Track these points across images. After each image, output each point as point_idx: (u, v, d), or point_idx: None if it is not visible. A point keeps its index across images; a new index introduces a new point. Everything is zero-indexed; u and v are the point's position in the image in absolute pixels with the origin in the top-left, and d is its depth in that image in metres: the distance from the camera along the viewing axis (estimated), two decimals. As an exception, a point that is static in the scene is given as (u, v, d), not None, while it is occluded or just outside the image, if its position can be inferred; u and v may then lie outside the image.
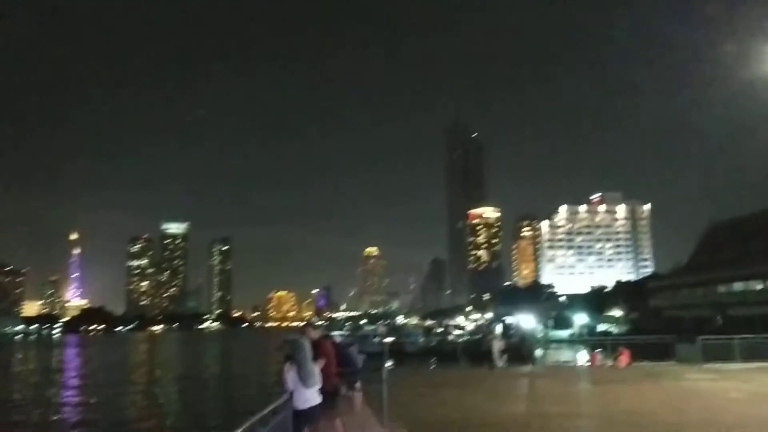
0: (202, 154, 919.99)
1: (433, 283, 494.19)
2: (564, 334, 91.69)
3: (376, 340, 61.00)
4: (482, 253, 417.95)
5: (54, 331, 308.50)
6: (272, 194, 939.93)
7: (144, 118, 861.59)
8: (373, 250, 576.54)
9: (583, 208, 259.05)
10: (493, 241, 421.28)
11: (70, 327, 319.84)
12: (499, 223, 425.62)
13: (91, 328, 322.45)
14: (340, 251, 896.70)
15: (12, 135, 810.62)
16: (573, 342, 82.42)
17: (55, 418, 28.94)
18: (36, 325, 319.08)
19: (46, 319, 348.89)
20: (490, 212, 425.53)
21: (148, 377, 55.20)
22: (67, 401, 36.14)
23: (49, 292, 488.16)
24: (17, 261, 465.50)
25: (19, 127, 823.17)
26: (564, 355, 58.53)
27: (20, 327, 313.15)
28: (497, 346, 27.45)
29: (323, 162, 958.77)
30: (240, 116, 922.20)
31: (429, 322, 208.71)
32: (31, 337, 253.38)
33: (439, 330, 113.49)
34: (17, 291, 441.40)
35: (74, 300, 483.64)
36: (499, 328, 32.73)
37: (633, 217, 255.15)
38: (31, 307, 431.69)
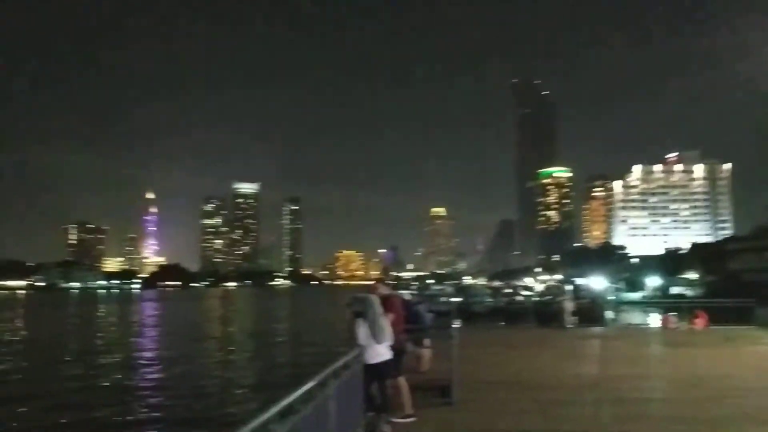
0: (274, 115, 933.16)
1: (501, 243, 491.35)
2: (636, 296, 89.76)
3: (444, 299, 61.10)
4: (552, 213, 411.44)
5: (133, 287, 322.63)
6: (341, 154, 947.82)
7: (216, 82, 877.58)
8: (440, 210, 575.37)
9: (658, 167, 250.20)
10: (564, 201, 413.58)
11: (148, 283, 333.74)
12: (570, 183, 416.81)
13: (167, 283, 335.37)
14: (407, 211, 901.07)
15: (91, 99, 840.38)
16: (645, 304, 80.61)
17: (133, 371, 30.30)
18: (116, 281, 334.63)
19: (126, 274, 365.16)
20: (560, 172, 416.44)
21: (223, 332, 57.17)
22: (145, 354, 37.78)
23: (128, 249, 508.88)
24: (98, 219, 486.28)
25: (97, 90, 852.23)
26: (636, 317, 57.37)
27: (102, 282, 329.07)
28: (568, 306, 27.05)
29: (392, 121, 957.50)
30: (310, 76, 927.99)
31: (497, 283, 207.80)
32: (113, 291, 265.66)
33: (507, 291, 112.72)
34: (99, 247, 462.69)
35: (152, 257, 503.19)
36: (569, 289, 32.18)
37: (711, 177, 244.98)
38: (112, 263, 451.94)
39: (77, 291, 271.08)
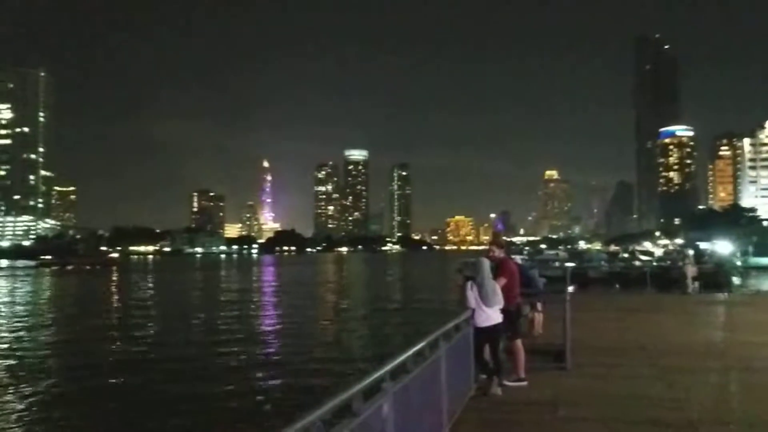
0: (381, 82, 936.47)
1: (618, 207, 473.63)
2: (766, 261, 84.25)
3: (557, 264, 59.82)
4: (674, 174, 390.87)
5: (252, 251, 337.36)
6: (450, 119, 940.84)
7: (327, 48, 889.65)
8: (553, 173, 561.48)
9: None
10: (687, 161, 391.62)
11: (266, 248, 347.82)
12: (692, 143, 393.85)
13: (284, 248, 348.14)
14: (519, 175, 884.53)
15: (211, 73, 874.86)
16: (777, 270, 75.78)
17: (255, 331, 31.77)
18: (236, 246, 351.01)
19: (245, 240, 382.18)
20: (683, 131, 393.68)
21: (337, 294, 58.77)
22: (266, 316, 39.48)
23: (247, 215, 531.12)
24: (218, 188, 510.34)
25: (216, 66, 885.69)
26: (766, 283, 54.05)
27: (223, 247, 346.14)
28: (690, 271, 25.78)
29: (502, 83, 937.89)
30: (417, 42, 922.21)
31: (613, 248, 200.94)
32: (234, 256, 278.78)
33: (625, 255, 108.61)
34: (220, 214, 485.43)
35: (268, 223, 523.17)
36: (691, 253, 30.57)
37: None
38: (232, 230, 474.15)
39: (201, 255, 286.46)
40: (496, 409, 7.81)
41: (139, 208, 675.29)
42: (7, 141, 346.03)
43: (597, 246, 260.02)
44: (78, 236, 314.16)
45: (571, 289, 20.00)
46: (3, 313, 41.73)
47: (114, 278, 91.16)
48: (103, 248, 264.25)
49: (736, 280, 35.56)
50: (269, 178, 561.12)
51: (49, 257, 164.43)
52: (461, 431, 6.75)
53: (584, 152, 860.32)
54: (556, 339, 10.80)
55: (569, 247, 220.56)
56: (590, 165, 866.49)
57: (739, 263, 75.06)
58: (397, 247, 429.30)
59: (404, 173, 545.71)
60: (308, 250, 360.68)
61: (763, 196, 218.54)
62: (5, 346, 27.22)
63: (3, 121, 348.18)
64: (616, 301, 25.14)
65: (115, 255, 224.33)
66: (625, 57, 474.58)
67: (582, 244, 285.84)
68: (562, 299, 11.19)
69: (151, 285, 76.73)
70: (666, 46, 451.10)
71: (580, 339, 11.51)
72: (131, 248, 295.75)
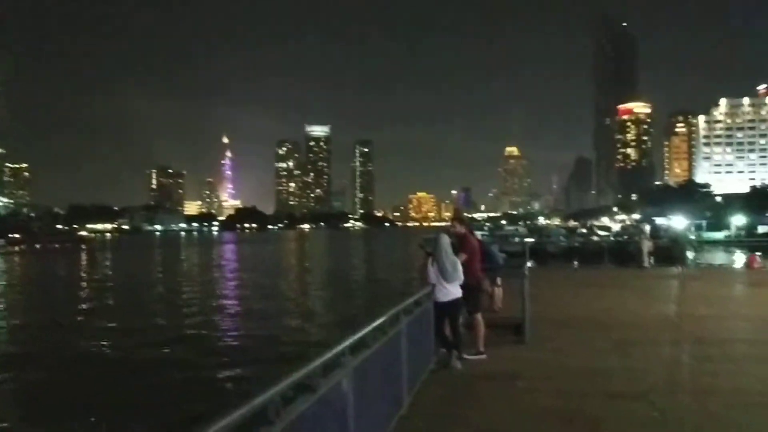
0: (344, 56, 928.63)
1: (577, 183, 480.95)
2: (719, 235, 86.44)
3: (517, 240, 60.61)
4: (631, 151, 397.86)
5: (213, 229, 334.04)
6: (412, 96, 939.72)
7: (283, 22, 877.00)
8: (513, 150, 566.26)
9: (746, 100, 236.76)
10: (644, 138, 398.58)
11: (227, 225, 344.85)
12: (649, 120, 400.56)
13: (245, 226, 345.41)
14: (479, 152, 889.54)
15: (170, 50, 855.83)
16: (729, 244, 77.82)
17: (215, 310, 31.56)
18: (196, 224, 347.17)
19: (205, 217, 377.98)
20: (640, 107, 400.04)
21: (299, 272, 58.65)
22: (226, 294, 39.23)
23: (206, 192, 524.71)
24: (177, 164, 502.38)
25: (174, 42, 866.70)
26: (719, 257, 55.54)
27: (183, 225, 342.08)
28: (646, 246, 26.32)
29: (462, 60, 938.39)
30: (379, 19, 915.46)
31: (572, 223, 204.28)
32: (194, 234, 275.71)
33: (583, 231, 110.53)
34: (179, 191, 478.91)
35: (229, 200, 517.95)
36: (647, 228, 31.25)
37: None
38: (191, 207, 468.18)
39: (160, 233, 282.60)
40: (456, 382, 7.92)
41: (96, 186, 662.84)
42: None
43: (556, 222, 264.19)
44: (32, 214, 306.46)
45: (530, 264, 20.30)
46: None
47: (85, 257, 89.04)
48: (59, 226, 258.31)
49: (690, 254, 36.43)
50: (229, 154, 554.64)
51: (17, 236, 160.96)
52: (422, 404, 6.82)
53: (544, 129, 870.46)
54: (516, 313, 10.96)
55: (529, 222, 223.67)
56: (550, 141, 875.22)
57: (693, 238, 77.02)
58: (359, 224, 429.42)
59: (366, 150, 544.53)
60: (270, 227, 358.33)
61: (716, 173, 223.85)
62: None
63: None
64: (574, 276, 25.59)
65: (86, 234, 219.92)
66: (584, 35, 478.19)
67: (541, 220, 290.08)
68: (522, 274, 11.36)
69: (120, 263, 75.50)
70: (624, 24, 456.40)
71: (539, 313, 11.70)
72: (88, 226, 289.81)
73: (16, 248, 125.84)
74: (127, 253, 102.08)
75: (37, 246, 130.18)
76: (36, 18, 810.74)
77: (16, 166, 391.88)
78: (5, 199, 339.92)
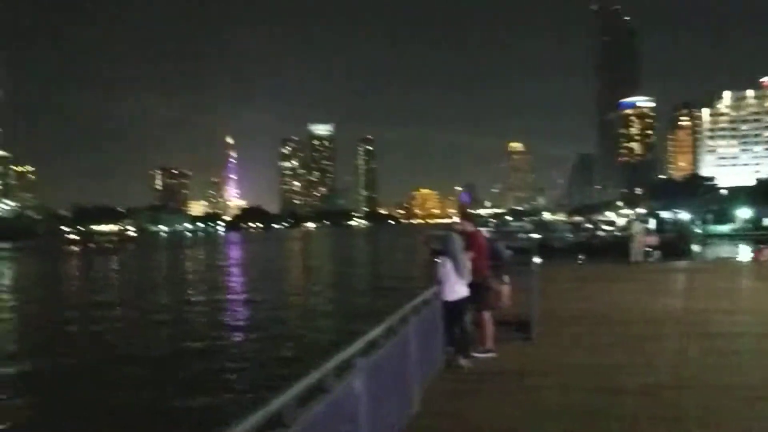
0: (347, 55, 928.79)
1: (581, 178, 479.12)
2: (725, 228, 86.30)
3: (522, 236, 60.55)
4: (635, 145, 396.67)
5: (218, 229, 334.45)
6: (415, 92, 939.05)
7: (286, 20, 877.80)
8: (517, 145, 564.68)
9: (750, 93, 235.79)
10: (647, 132, 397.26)
11: (232, 225, 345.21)
12: (653, 114, 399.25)
13: (250, 225, 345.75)
14: (483, 147, 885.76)
15: (172, 49, 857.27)
16: (735, 237, 77.71)
17: (222, 311, 31.68)
18: (201, 224, 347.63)
19: (211, 217, 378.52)
20: (643, 101, 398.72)
21: (306, 271, 58.73)
22: (232, 295, 39.34)
23: (211, 192, 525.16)
24: (182, 164, 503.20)
25: (176, 42, 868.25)
26: (724, 250, 55.47)
27: (188, 225, 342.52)
28: (640, 239, 26.18)
29: (465, 56, 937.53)
30: (381, 17, 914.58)
31: (577, 218, 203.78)
32: (200, 234, 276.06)
33: (588, 226, 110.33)
34: (184, 192, 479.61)
35: (234, 200, 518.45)
36: (640, 223, 31.12)
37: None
38: (196, 207, 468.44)
39: (166, 234, 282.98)
40: (465, 380, 7.97)
41: (100, 187, 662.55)
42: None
43: (561, 217, 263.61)
44: (38, 217, 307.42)
45: (536, 260, 20.31)
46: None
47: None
48: (65, 228, 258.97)
49: (695, 247, 36.39)
50: (234, 154, 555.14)
51: (74, 236, 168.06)
52: (432, 403, 6.88)
53: (547, 124, 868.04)
54: (523, 310, 11.01)
55: (534, 218, 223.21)
56: (553, 136, 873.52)
57: (698, 231, 76.93)
58: (363, 221, 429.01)
59: (369, 147, 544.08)
60: (275, 226, 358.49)
61: (721, 166, 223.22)
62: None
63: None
64: (579, 271, 25.60)
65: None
66: (585, 28, 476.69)
67: (546, 216, 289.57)
68: (528, 271, 11.40)
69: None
70: (626, 18, 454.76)
71: (546, 310, 11.75)
72: (93, 228, 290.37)
73: (72, 248, 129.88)
74: (155, 254, 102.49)
75: (91, 245, 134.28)
76: (36, 21, 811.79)
77: (22, 168, 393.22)
78: (11, 203, 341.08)
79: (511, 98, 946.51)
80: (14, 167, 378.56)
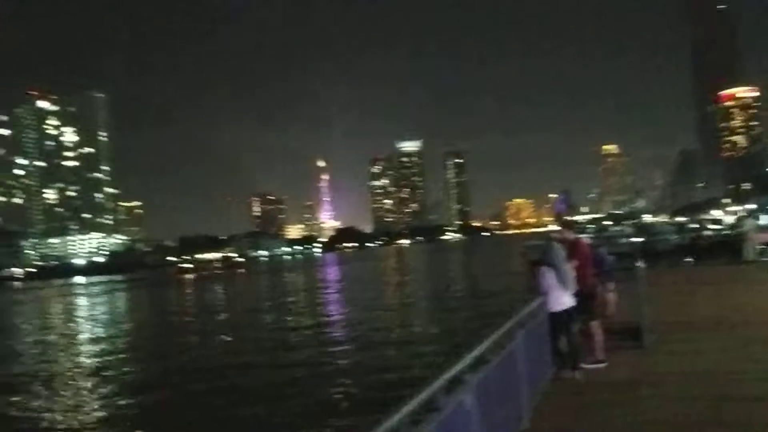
0: (430, 71, 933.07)
1: (682, 176, 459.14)
2: None
3: (623, 240, 58.49)
4: (738, 138, 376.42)
5: (315, 250, 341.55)
6: (502, 101, 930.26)
7: (372, 41, 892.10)
8: (611, 147, 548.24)
9: None
10: (752, 123, 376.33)
11: (328, 246, 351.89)
12: (758, 103, 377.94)
13: (345, 245, 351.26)
14: (576, 152, 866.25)
15: (261, 77, 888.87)
16: None
17: (326, 328, 32.22)
18: (299, 247, 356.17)
19: (307, 240, 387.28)
20: (745, 91, 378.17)
21: (405, 287, 58.92)
22: (334, 315, 39.94)
23: (306, 216, 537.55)
24: (277, 190, 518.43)
25: (264, 70, 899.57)
26: None
27: (286, 249, 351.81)
28: (751, 238, 24.73)
29: (551, 61, 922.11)
30: (464, 27, 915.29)
31: (680, 219, 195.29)
32: (298, 257, 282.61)
33: (693, 226, 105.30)
34: (280, 217, 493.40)
35: (328, 221, 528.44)
36: (750, 220, 29.26)
37: None
38: (293, 230, 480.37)
39: (267, 259, 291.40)
40: (576, 393, 7.76)
41: (200, 216, 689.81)
42: (75, 162, 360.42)
43: (663, 218, 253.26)
44: (147, 249, 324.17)
45: (640, 264, 19.52)
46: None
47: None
48: (171, 258, 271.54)
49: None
50: (325, 177, 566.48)
51: (189, 265, 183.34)
52: (542, 418, 6.73)
53: (642, 123, 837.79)
54: (630, 317, 10.63)
55: (634, 221, 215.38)
56: (649, 135, 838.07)
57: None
58: (457, 235, 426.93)
59: (459, 160, 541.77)
60: (369, 245, 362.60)
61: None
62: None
63: (69, 144, 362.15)
64: (687, 274, 24.46)
65: (241, 259, 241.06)
66: (679, 20, 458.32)
67: (647, 218, 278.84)
68: (633, 276, 11.01)
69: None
70: (722, 6, 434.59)
71: (655, 316, 11.28)
72: (197, 256, 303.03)
73: (186, 276, 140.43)
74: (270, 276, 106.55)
75: (205, 273, 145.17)
76: (136, 57, 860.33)
77: (130, 204, 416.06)
78: (122, 237, 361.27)
79: (602, 98, 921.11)
80: (122, 203, 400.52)
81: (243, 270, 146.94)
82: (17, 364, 27.83)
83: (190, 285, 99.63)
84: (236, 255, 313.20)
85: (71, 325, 47.78)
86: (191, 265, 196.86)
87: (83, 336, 38.57)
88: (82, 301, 78.33)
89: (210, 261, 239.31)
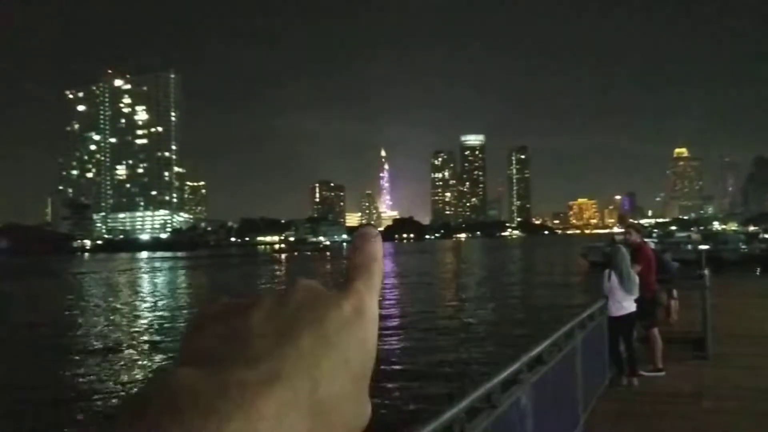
0: (496, 67, 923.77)
1: (756, 184, 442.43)
2: None
3: (689, 247, 56.86)
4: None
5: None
6: (569, 98, 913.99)
7: (436, 34, 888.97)
8: (682, 151, 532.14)
9: None
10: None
11: (385, 235, 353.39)
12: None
13: (403, 236, 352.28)
14: (644, 154, 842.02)
15: (327, 65, 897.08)
16: None
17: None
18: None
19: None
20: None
21: (463, 281, 58.69)
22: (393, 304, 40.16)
23: (366, 204, 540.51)
24: (339, 178, 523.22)
25: (333, 57, 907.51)
26: None
27: (345, 236, 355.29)
28: None
29: (624, 57, 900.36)
30: (528, 25, 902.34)
31: (752, 228, 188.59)
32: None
33: (766, 236, 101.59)
34: (340, 204, 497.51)
35: (387, 211, 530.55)
36: None
37: None
38: (352, 218, 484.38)
39: (327, 244, 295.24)
40: (633, 401, 7.60)
41: (262, 199, 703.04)
42: (144, 141, 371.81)
43: (733, 226, 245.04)
44: (209, 228, 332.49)
45: (706, 273, 18.97)
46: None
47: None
48: (232, 239, 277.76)
49: None
50: (387, 166, 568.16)
51: (282, 245, 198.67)
52: (597, 422, 6.63)
53: (716, 127, 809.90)
54: (693, 327, 10.34)
55: (702, 228, 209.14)
56: (723, 140, 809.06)
57: None
58: (517, 232, 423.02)
59: (522, 156, 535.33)
60: (426, 237, 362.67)
61: None
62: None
63: (140, 122, 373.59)
64: (756, 285, 23.62)
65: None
66: (752, 16, 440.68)
67: (716, 225, 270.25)
68: (697, 284, 10.70)
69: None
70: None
71: (719, 326, 10.92)
72: (258, 238, 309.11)
73: (282, 256, 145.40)
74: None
75: (295, 254, 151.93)
76: (204, 45, 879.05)
77: (195, 184, 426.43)
78: (186, 215, 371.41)
79: (675, 100, 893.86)
80: (189, 182, 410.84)
81: (328, 253, 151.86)
82: (79, 334, 28.95)
83: (283, 263, 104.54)
84: (294, 239, 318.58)
85: (138, 297, 49.39)
86: (284, 246, 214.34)
87: (148, 308, 39.82)
88: (154, 276, 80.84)
89: (303, 243, 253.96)
